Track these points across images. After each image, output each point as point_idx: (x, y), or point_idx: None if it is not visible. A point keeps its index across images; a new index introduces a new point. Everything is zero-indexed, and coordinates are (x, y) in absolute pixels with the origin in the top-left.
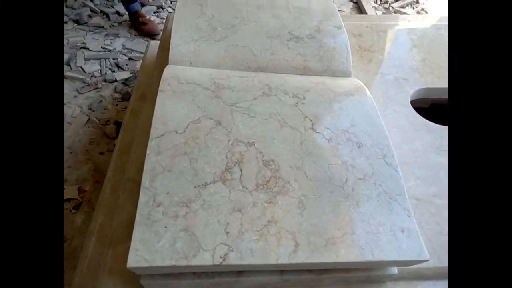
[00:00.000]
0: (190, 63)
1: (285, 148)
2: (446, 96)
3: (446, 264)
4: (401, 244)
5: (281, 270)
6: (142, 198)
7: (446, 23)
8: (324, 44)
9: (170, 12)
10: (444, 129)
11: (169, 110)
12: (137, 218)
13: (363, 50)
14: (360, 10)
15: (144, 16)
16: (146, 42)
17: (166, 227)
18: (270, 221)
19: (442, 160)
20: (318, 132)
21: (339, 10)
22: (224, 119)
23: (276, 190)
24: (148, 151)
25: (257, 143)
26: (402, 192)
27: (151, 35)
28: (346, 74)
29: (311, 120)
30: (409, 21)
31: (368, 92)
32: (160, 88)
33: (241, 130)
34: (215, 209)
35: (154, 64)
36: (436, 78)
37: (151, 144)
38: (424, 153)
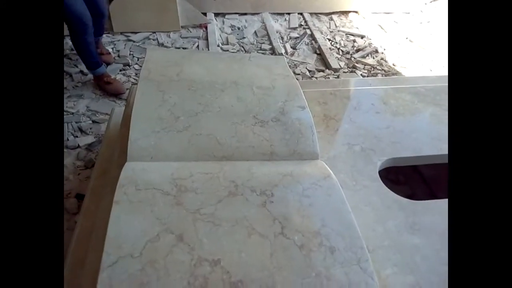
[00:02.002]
0: (151, 158)
1: (254, 263)
2: (413, 163)
3: None
4: None
5: None
6: None
7: (409, 85)
8: (289, 127)
9: (137, 69)
10: (416, 204)
11: (124, 227)
12: None
13: (329, 119)
14: (324, 61)
15: (109, 76)
16: (112, 103)
17: None
18: None
19: (417, 241)
20: (288, 238)
21: (303, 62)
22: (186, 232)
23: None
24: (98, 287)
25: (223, 260)
26: None
27: (117, 95)
28: (313, 157)
29: (280, 223)
30: (371, 84)
31: (336, 181)
32: (115, 199)
33: (205, 245)
34: None
35: (117, 138)
36: (402, 146)
37: (102, 276)
38: (398, 235)
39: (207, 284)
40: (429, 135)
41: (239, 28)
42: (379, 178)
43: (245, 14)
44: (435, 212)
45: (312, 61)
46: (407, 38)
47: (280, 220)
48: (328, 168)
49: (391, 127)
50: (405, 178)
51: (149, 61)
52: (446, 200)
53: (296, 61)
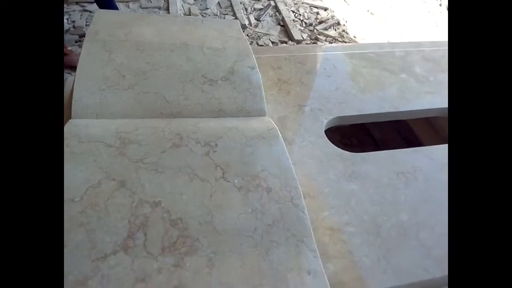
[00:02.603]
0: (97, 115)
1: (194, 203)
2: (357, 122)
3: None
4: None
5: None
6: None
7: (360, 51)
8: (238, 85)
9: None
10: (355, 156)
11: (66, 176)
12: None
13: (282, 83)
14: (287, 33)
15: (65, 47)
16: (67, 75)
17: None
18: (177, 286)
19: (353, 187)
20: (228, 181)
21: (267, 34)
22: (129, 178)
23: (184, 251)
24: None
25: (164, 201)
26: (309, 233)
27: (72, 67)
28: (261, 114)
29: (222, 169)
30: (325, 50)
31: (279, 133)
32: None
33: (147, 189)
34: (116, 283)
35: (66, 108)
36: (348, 106)
37: None
38: (337, 182)
39: (147, 222)
40: (373, 96)
41: None
42: (325, 135)
43: None
44: (371, 162)
45: (275, 33)
46: (368, 11)
47: (222, 166)
48: (273, 123)
49: (339, 89)
50: (358, 141)
51: (96, 23)
52: (381, 151)
53: (259, 32)
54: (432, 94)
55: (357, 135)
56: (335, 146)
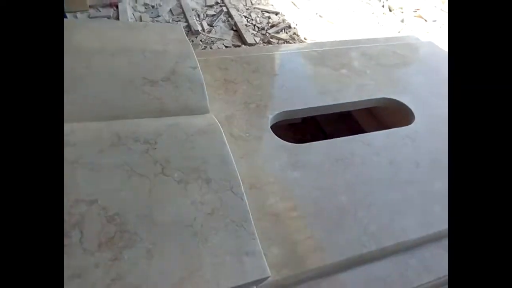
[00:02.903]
0: None
1: (132, 199)
2: (301, 115)
3: (301, 270)
4: (245, 268)
5: None
6: None
7: (304, 50)
8: (179, 85)
9: None
10: (299, 147)
11: None
12: None
13: (229, 83)
14: (241, 37)
15: None
16: None
17: None
18: (114, 278)
19: (297, 175)
20: (168, 176)
21: (220, 39)
22: (64, 179)
23: (122, 245)
24: None
25: (101, 199)
26: (247, 218)
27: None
28: (204, 111)
29: (161, 165)
30: (271, 51)
31: (220, 127)
32: None
33: (82, 189)
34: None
35: None
36: (292, 101)
37: None
38: (282, 172)
39: (83, 219)
40: (316, 90)
41: (153, 7)
42: (270, 129)
43: None
44: (314, 152)
45: (229, 38)
46: (317, 13)
47: (162, 162)
48: (215, 119)
49: (284, 86)
50: (311, 136)
51: None
52: (322, 141)
53: (213, 38)
54: (369, 86)
55: (310, 130)
56: (280, 139)
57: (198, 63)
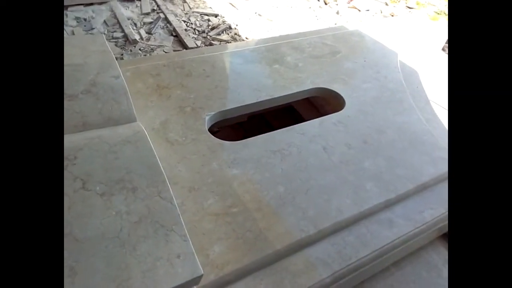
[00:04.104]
0: None
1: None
2: (237, 113)
3: (244, 264)
4: (177, 270)
5: None
6: None
7: (236, 49)
8: (101, 96)
9: None
10: (236, 144)
11: None
12: None
13: (162, 88)
14: (181, 42)
15: None
16: None
17: None
18: None
19: (235, 172)
20: (89, 190)
21: (161, 46)
22: None
23: None
24: None
25: None
26: (178, 221)
27: None
28: (130, 120)
29: (82, 180)
30: (204, 53)
31: (145, 134)
32: None
33: None
34: None
35: None
36: (227, 101)
37: None
38: (220, 171)
39: None
40: (251, 88)
41: (85, 19)
42: (207, 130)
43: (91, 4)
44: (251, 147)
45: (169, 44)
46: (256, 12)
47: (82, 177)
48: (141, 126)
49: (219, 86)
50: (259, 132)
51: None
52: (259, 136)
53: (152, 45)
54: (301, 78)
55: (258, 126)
56: (217, 139)
57: (121, 72)
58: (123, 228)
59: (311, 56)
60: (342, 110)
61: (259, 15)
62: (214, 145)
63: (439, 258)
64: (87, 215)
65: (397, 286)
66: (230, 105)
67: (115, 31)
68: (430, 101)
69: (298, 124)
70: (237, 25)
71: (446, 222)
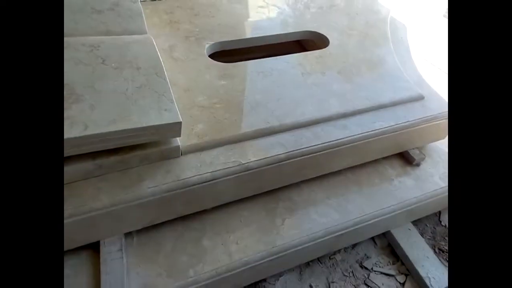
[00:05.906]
0: None
1: (79, 76)
2: (235, 46)
3: (219, 137)
4: (163, 116)
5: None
6: None
7: None
8: (121, 13)
9: None
10: (229, 65)
11: None
12: None
13: (173, 23)
14: None
15: None
16: None
17: None
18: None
19: (224, 82)
20: (107, 65)
21: None
22: None
23: (70, 101)
24: None
25: None
26: (167, 90)
27: None
28: (143, 33)
29: (102, 58)
30: None
31: (152, 40)
32: None
33: None
34: None
35: None
36: (227, 35)
37: None
38: (211, 81)
39: None
40: (250, 26)
41: None
42: (206, 54)
43: None
44: (241, 68)
45: None
46: None
47: (103, 57)
48: (151, 37)
49: (222, 24)
50: None
51: None
52: (249, 61)
53: None
54: (298, 24)
55: None
56: (213, 61)
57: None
58: (128, 88)
59: (307, 7)
60: (325, 48)
61: None
62: (210, 64)
63: (393, 171)
64: (104, 78)
65: (351, 184)
66: (229, 38)
67: None
68: (425, 60)
69: (285, 55)
70: None
71: (396, 132)
